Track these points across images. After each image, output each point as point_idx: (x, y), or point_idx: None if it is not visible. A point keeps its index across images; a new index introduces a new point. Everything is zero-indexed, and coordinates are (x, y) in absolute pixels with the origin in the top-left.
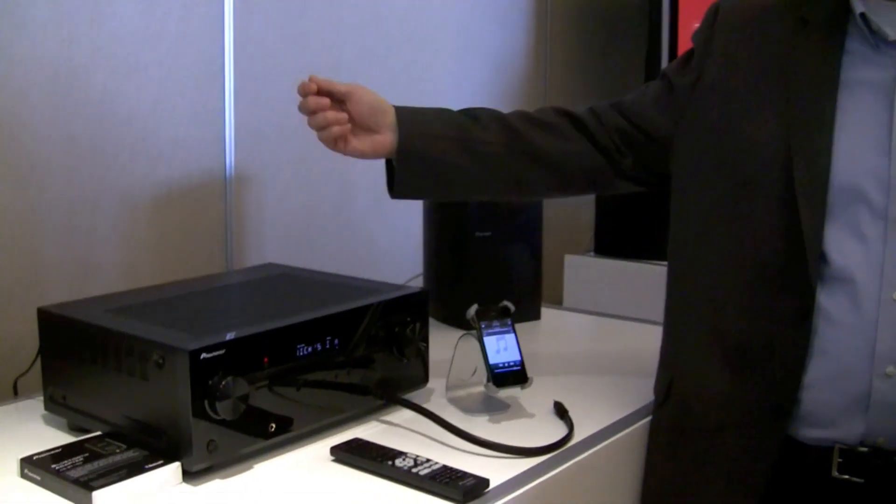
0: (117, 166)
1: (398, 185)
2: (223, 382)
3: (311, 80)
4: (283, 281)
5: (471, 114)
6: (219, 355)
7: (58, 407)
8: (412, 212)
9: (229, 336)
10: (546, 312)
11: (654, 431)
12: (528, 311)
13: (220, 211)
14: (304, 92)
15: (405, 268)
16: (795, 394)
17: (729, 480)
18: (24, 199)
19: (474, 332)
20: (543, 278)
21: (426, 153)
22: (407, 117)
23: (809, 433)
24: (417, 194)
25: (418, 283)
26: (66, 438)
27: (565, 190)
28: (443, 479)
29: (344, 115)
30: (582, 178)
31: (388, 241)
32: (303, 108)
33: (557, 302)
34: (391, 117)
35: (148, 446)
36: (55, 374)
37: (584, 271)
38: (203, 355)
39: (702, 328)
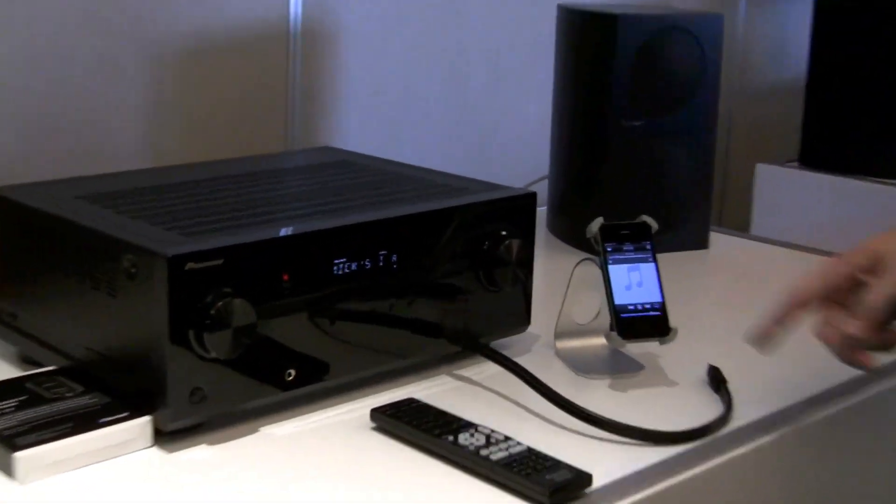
0: (144, 10)
1: None
2: (218, 305)
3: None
4: (336, 170)
5: None
6: (214, 266)
7: (6, 329)
8: (542, 95)
9: (232, 240)
10: (718, 240)
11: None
12: (689, 236)
13: (279, 76)
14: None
15: (528, 168)
16: None
17: None
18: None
19: (596, 257)
20: (720, 192)
21: None
22: None
23: None
24: None
25: (543, 190)
26: (12, 374)
27: None
28: (522, 469)
29: None
30: None
31: (507, 133)
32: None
33: (740, 227)
34: None
35: (111, 391)
36: (5, 283)
37: (781, 187)
38: (190, 264)
39: None
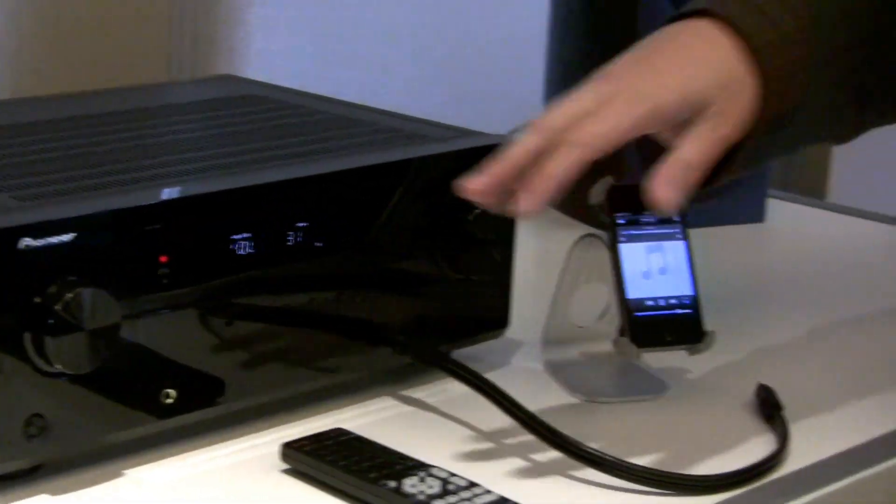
0: None
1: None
2: (66, 298)
3: None
4: (239, 109)
5: None
6: (61, 244)
7: None
8: (534, 4)
9: (87, 207)
10: (780, 209)
11: None
12: (738, 204)
13: None
14: None
15: (511, 108)
16: None
17: None
18: None
19: (603, 232)
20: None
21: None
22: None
23: None
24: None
25: None
26: None
27: None
28: None
29: None
30: None
31: (485, 58)
32: None
33: (814, 193)
34: None
35: None
36: None
37: (870, 142)
38: (25, 241)
39: None
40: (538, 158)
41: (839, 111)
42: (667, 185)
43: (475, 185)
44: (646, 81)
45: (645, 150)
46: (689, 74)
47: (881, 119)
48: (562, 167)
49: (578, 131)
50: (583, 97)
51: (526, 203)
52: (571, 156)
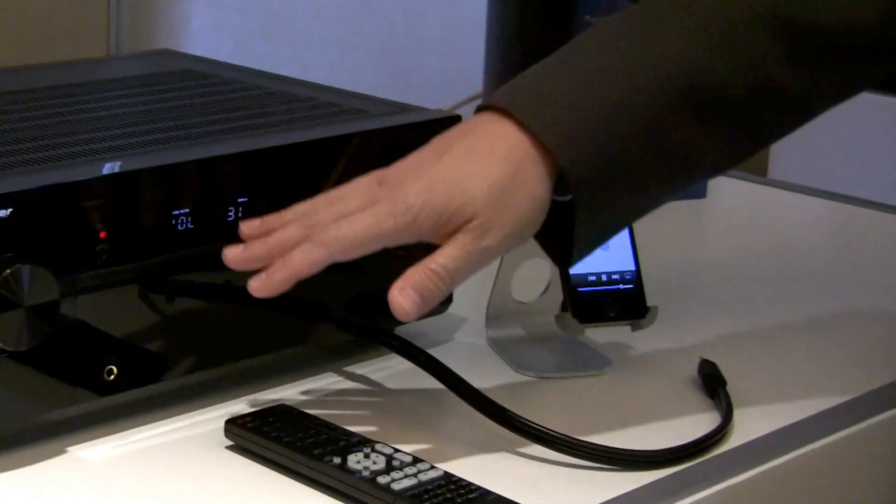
0: None
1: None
2: (4, 274)
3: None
4: (178, 83)
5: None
6: None
7: None
8: None
9: (23, 182)
10: (720, 185)
11: None
12: None
13: None
14: None
15: (453, 83)
16: None
17: None
18: None
19: None
20: None
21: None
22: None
23: None
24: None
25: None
26: None
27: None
28: (434, 499)
29: None
30: None
31: (426, 33)
32: None
33: (755, 169)
34: None
35: None
36: None
37: (807, 126)
38: None
39: None
40: (288, 245)
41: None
42: (403, 290)
43: (231, 256)
44: (411, 193)
45: None
46: (459, 184)
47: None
48: (302, 262)
49: (327, 231)
50: (351, 195)
51: (260, 286)
52: (312, 254)
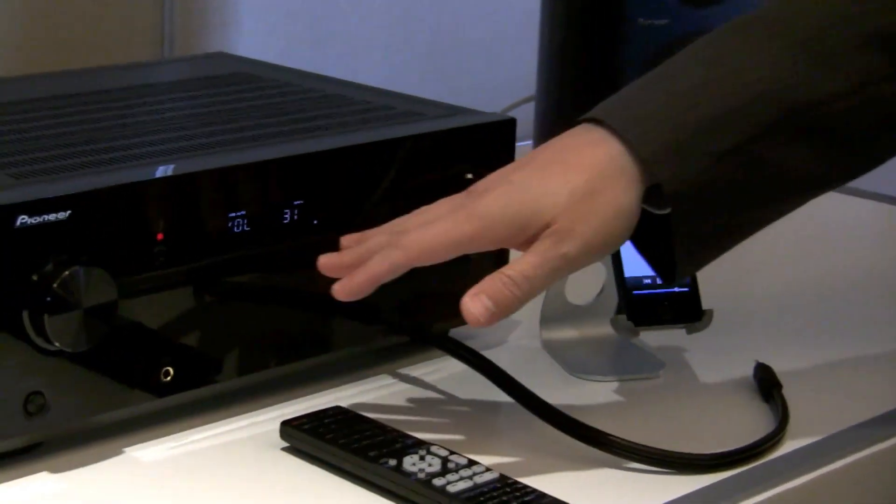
0: None
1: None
2: (63, 276)
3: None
4: (232, 86)
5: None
6: (57, 221)
7: None
8: None
9: (82, 184)
10: None
11: None
12: None
13: None
14: None
15: (505, 85)
16: None
17: None
18: None
19: None
20: None
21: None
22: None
23: None
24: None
25: (527, 115)
26: None
27: None
28: (489, 501)
29: None
30: None
31: (478, 35)
32: None
33: None
34: None
35: None
36: None
37: None
38: (22, 219)
39: None
40: (374, 252)
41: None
42: (476, 296)
43: (324, 262)
44: (490, 198)
45: None
46: (538, 190)
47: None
48: (381, 265)
49: (407, 236)
50: (440, 205)
51: (341, 288)
52: (390, 258)
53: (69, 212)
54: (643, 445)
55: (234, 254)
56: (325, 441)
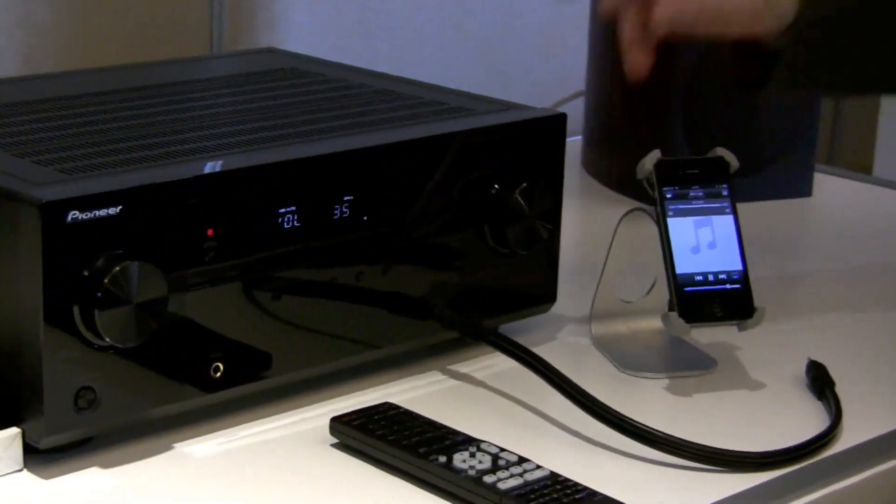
0: None
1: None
2: (114, 272)
3: None
4: (282, 82)
5: None
6: (108, 217)
7: None
8: None
9: (133, 179)
10: (826, 184)
11: None
12: (785, 179)
13: None
14: None
15: (555, 81)
16: None
17: None
18: None
19: (650, 207)
20: (832, 121)
21: None
22: None
23: None
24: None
25: (577, 111)
26: None
27: None
28: (543, 502)
29: None
30: None
31: (527, 31)
32: None
33: (859, 167)
34: None
35: None
36: None
37: None
38: (73, 214)
39: None
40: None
41: None
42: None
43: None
44: None
45: (691, 127)
46: None
47: None
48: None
49: None
50: None
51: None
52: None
53: (120, 207)
54: (694, 443)
55: (284, 249)
56: (375, 437)
